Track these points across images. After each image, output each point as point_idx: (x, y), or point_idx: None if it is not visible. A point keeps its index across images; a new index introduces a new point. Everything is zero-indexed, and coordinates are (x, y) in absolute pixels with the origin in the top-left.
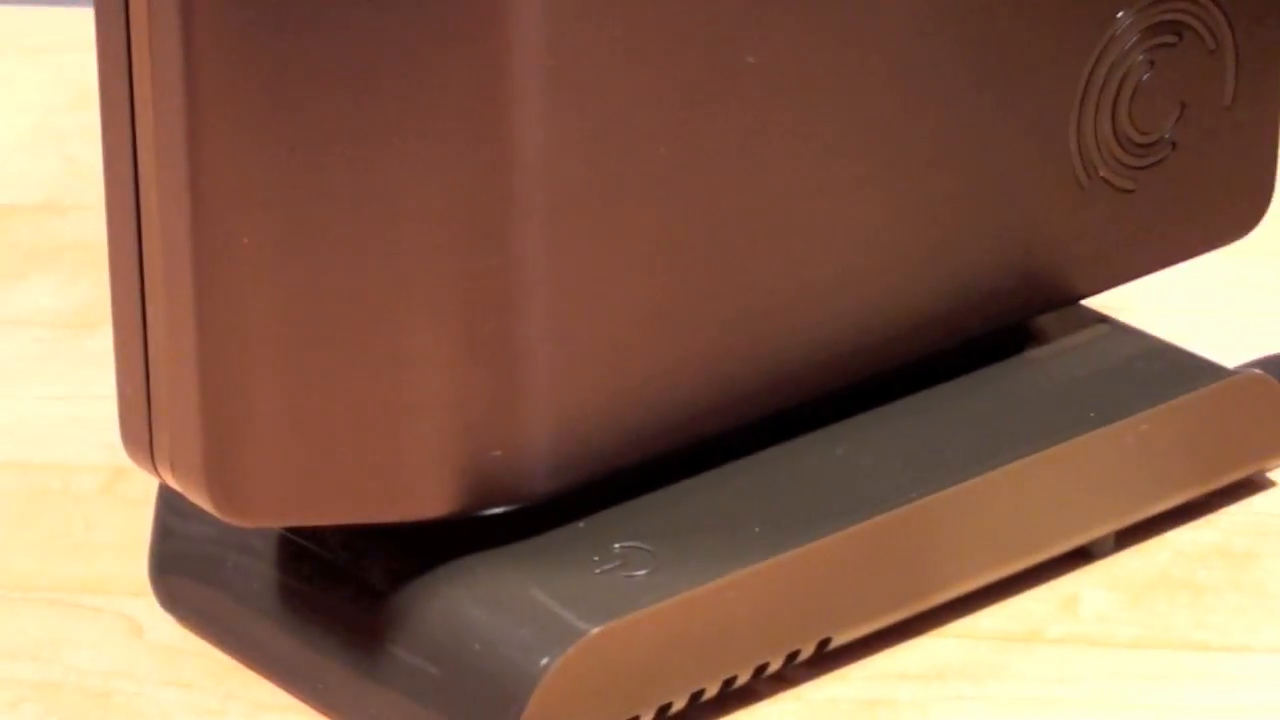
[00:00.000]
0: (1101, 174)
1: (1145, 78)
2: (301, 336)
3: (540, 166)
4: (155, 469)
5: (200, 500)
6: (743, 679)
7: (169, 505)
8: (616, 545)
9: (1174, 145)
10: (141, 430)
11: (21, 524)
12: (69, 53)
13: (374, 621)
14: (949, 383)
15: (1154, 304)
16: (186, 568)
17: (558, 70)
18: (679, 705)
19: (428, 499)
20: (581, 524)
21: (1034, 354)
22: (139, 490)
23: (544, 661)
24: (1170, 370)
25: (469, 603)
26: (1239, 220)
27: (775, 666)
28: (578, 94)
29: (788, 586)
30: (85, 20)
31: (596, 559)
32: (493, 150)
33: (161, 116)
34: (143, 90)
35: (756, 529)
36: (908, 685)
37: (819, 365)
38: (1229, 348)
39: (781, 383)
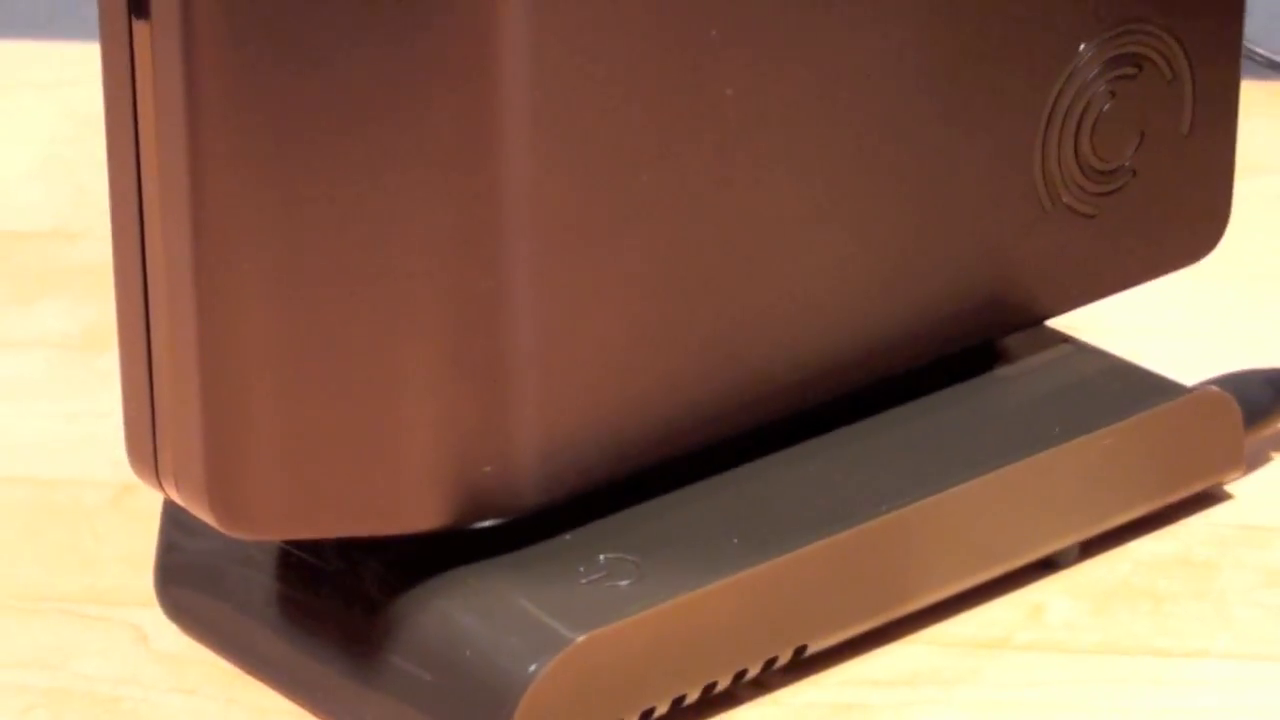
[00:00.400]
0: (1065, 200)
1: (1106, 108)
2: (299, 358)
3: (528, 195)
4: (160, 485)
5: (203, 515)
6: (723, 685)
7: (173, 520)
8: (602, 556)
9: (1134, 172)
10: (146, 447)
11: (32, 537)
12: (77, 86)
13: (370, 630)
14: (919, 400)
15: (1116, 324)
16: (190, 579)
17: (545, 104)
18: (661, 710)
19: (421, 513)
20: (568, 536)
21: (1001, 373)
22: (145, 505)
23: (532, 668)
24: (1132, 388)
25: (461, 612)
26: (1197, 244)
27: (754, 673)
28: (564, 126)
29: (765, 596)
30: (92, 55)
31: (583, 569)
32: (483, 180)
33: (165, 148)
34: (147, 123)
35: (736, 541)
36: (881, 690)
37: (795, 384)
38: (1188, 366)
39: (758, 401)
